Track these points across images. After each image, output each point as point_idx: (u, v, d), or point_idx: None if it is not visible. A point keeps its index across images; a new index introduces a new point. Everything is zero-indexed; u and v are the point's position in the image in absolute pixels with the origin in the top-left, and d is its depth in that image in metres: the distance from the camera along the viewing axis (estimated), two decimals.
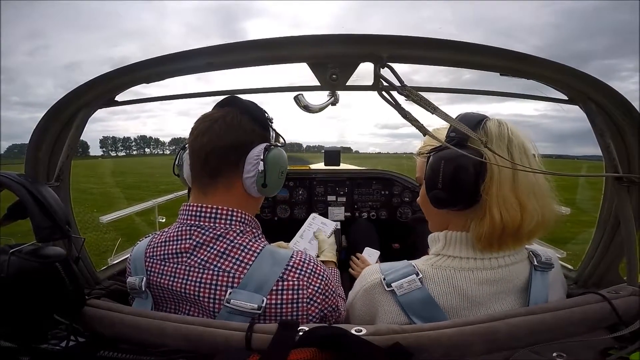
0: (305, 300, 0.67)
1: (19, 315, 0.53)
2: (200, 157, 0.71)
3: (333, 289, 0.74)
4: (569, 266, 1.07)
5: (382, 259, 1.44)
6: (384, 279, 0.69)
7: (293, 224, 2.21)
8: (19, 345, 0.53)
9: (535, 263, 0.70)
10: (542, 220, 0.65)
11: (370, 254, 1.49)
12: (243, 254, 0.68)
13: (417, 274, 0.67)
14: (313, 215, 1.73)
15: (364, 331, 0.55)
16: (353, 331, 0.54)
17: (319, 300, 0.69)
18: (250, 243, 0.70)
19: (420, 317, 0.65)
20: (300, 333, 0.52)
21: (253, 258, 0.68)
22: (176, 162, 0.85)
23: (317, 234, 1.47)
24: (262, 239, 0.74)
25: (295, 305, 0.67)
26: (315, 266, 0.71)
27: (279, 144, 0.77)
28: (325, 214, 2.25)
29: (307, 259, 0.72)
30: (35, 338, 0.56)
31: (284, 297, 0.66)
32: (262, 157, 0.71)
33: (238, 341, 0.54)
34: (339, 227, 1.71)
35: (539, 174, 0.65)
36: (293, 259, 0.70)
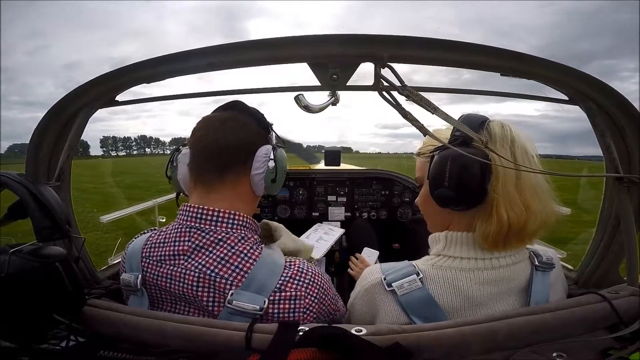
0: (302, 309, 0.68)
1: (19, 315, 0.53)
2: (212, 153, 0.72)
3: (330, 295, 0.75)
4: (570, 266, 1.07)
5: (383, 259, 1.44)
6: (385, 279, 0.69)
7: (293, 224, 2.21)
8: (19, 345, 0.53)
9: (537, 263, 0.70)
10: (544, 220, 0.66)
11: (370, 254, 1.49)
12: (243, 261, 0.68)
13: (418, 274, 0.67)
14: (318, 224, 1.77)
15: (364, 331, 0.55)
16: (353, 331, 0.54)
17: (316, 308, 0.70)
18: (252, 250, 0.70)
19: (420, 317, 0.65)
20: (300, 333, 0.53)
21: (252, 266, 0.68)
22: (170, 164, 0.84)
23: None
24: (261, 244, 0.74)
25: (292, 313, 0.67)
26: (313, 275, 0.72)
27: (281, 146, 0.81)
28: (325, 214, 2.25)
29: (304, 268, 0.72)
30: (35, 338, 0.56)
31: (281, 306, 0.67)
32: (271, 156, 0.75)
33: (238, 341, 0.54)
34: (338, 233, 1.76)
35: (540, 175, 0.66)
36: (290, 268, 0.71)
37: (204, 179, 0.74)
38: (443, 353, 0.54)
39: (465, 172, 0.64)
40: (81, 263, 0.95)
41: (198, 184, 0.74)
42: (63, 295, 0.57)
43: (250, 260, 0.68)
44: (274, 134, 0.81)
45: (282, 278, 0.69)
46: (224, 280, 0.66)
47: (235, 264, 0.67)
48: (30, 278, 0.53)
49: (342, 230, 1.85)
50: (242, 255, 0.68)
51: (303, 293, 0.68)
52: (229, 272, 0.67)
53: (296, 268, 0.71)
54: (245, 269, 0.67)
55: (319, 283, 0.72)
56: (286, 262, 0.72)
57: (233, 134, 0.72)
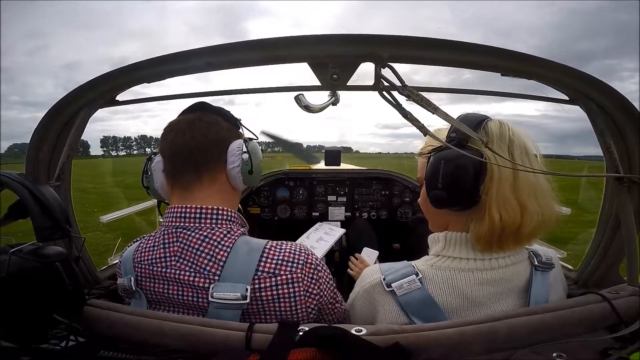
0: (301, 293, 0.67)
1: (19, 315, 0.53)
2: (182, 154, 0.72)
3: (327, 278, 0.74)
4: (570, 266, 1.07)
5: (383, 259, 1.45)
6: (384, 279, 0.69)
7: (293, 224, 2.21)
8: (19, 345, 0.53)
9: (536, 263, 0.69)
10: (542, 220, 0.65)
11: (369, 254, 1.49)
12: (225, 254, 0.67)
13: (417, 274, 0.67)
14: (322, 222, 1.79)
15: (364, 331, 0.55)
16: (353, 331, 0.54)
17: (316, 291, 0.70)
18: (231, 240, 0.69)
19: (420, 317, 0.65)
20: (300, 333, 0.52)
21: (227, 254, 0.67)
22: (144, 175, 0.83)
23: None
24: (241, 233, 0.73)
25: (293, 298, 0.66)
26: (307, 256, 0.71)
27: (253, 138, 0.83)
28: (325, 214, 2.25)
29: (296, 249, 0.71)
30: (35, 338, 0.56)
31: (280, 291, 0.66)
32: (244, 149, 0.76)
33: (238, 341, 0.54)
34: (339, 233, 1.77)
35: (540, 175, 0.65)
36: (281, 251, 0.70)
37: (181, 182, 0.73)
38: (443, 353, 0.54)
39: (457, 174, 0.64)
40: (81, 263, 0.95)
41: (176, 188, 0.74)
42: (63, 295, 0.57)
43: (225, 248, 0.67)
44: (243, 128, 0.83)
45: (268, 260, 0.67)
46: (210, 275, 0.66)
47: (218, 257, 0.67)
48: (31, 278, 0.53)
49: (342, 230, 1.86)
50: (224, 247, 0.68)
51: (300, 275, 0.67)
52: (216, 265, 0.66)
53: (288, 250, 0.70)
54: (224, 259, 0.66)
55: (314, 263, 0.71)
56: (273, 244, 0.71)
57: (201, 134, 0.72)
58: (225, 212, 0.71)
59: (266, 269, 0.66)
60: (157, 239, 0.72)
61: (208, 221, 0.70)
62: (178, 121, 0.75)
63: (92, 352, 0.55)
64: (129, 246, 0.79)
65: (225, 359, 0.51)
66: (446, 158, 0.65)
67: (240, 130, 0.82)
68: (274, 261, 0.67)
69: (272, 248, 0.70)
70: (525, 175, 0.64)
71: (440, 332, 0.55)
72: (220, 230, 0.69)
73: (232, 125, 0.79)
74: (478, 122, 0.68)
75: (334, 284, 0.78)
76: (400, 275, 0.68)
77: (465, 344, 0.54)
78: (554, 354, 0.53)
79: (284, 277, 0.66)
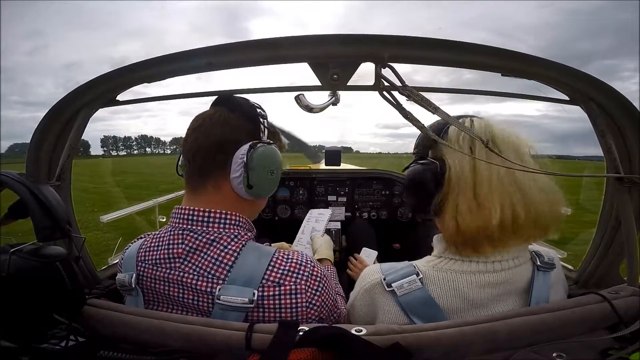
0: (304, 304, 0.67)
1: (19, 315, 0.53)
2: (188, 157, 0.71)
3: (331, 291, 0.73)
4: (570, 266, 1.07)
5: (383, 259, 1.44)
6: (384, 279, 0.69)
7: (294, 223, 2.21)
8: (19, 345, 0.53)
9: (538, 263, 0.69)
10: (533, 218, 0.63)
11: (368, 254, 1.49)
12: (232, 258, 0.67)
13: (418, 275, 0.67)
14: (310, 211, 1.81)
15: (364, 331, 0.55)
16: (353, 331, 0.54)
17: (318, 302, 0.69)
18: (239, 244, 0.69)
19: (420, 318, 0.65)
20: (301, 333, 0.52)
21: (236, 259, 0.67)
22: (179, 163, 0.83)
23: (312, 237, 1.50)
24: (248, 237, 0.72)
25: (294, 309, 0.66)
26: (312, 267, 0.70)
27: (271, 142, 0.73)
28: None
29: (303, 260, 0.71)
30: (35, 338, 0.56)
31: (282, 301, 0.65)
32: (246, 158, 0.67)
33: (238, 341, 0.54)
34: (339, 217, 1.73)
35: (529, 173, 0.64)
36: (287, 261, 0.69)
37: (189, 184, 0.73)
38: (443, 353, 0.54)
39: (413, 187, 0.72)
40: (81, 263, 0.95)
41: (187, 186, 0.74)
42: (63, 295, 0.57)
43: (233, 252, 0.67)
44: (264, 128, 0.73)
45: (275, 269, 0.67)
46: (215, 279, 0.65)
47: (225, 260, 0.66)
48: (31, 278, 0.53)
49: (329, 211, 1.85)
50: (231, 251, 0.67)
51: (304, 287, 0.67)
52: (221, 269, 0.66)
53: (295, 261, 0.69)
54: (230, 262, 0.66)
55: (319, 276, 0.70)
56: (281, 253, 0.70)
57: (207, 135, 0.68)
58: (233, 217, 0.70)
59: (272, 278, 0.66)
60: (162, 239, 0.71)
61: (216, 225, 0.68)
62: (196, 117, 0.72)
63: (92, 352, 0.55)
64: (132, 243, 0.79)
65: (225, 359, 0.51)
66: (408, 173, 0.73)
67: (261, 130, 0.72)
68: (280, 271, 0.67)
69: (280, 257, 0.69)
70: (487, 172, 0.63)
71: (441, 332, 0.55)
72: (228, 234, 0.68)
73: (249, 123, 0.71)
74: (440, 128, 0.72)
75: (336, 294, 0.78)
76: (401, 275, 0.68)
77: (466, 344, 0.54)
78: (554, 354, 0.53)
79: (287, 287, 0.66)
